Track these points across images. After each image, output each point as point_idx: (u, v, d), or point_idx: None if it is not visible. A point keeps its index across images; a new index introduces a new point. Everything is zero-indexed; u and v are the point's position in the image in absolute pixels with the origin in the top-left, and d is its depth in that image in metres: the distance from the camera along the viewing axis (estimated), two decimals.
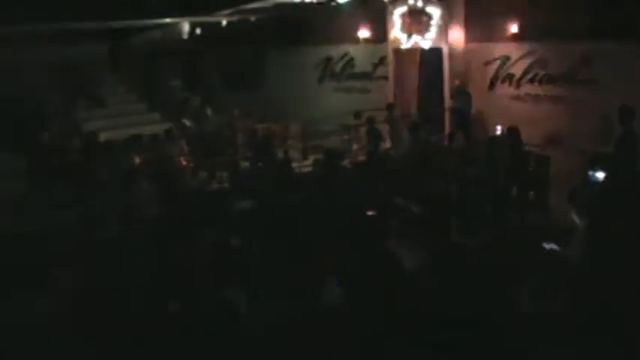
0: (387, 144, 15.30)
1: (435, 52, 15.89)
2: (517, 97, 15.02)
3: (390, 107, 15.59)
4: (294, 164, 12.97)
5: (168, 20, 17.85)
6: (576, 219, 5.80)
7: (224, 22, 18.45)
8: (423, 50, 16.18)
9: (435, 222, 8.79)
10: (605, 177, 9.21)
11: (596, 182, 9.46)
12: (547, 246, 6.46)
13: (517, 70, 14.95)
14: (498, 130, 13.01)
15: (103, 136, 15.05)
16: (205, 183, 13.62)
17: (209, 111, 16.27)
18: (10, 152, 13.94)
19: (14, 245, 9.24)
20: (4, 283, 7.85)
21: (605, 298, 5.05)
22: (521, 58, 14.83)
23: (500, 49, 15.13)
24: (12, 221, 10.58)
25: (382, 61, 17.58)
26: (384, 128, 15.42)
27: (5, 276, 8.00)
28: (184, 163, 13.30)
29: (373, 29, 17.72)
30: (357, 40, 18.21)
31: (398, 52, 16.64)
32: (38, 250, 8.96)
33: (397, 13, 16.18)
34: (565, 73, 14.12)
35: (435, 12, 15.55)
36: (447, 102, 15.75)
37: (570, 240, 5.84)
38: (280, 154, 13.99)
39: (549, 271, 5.89)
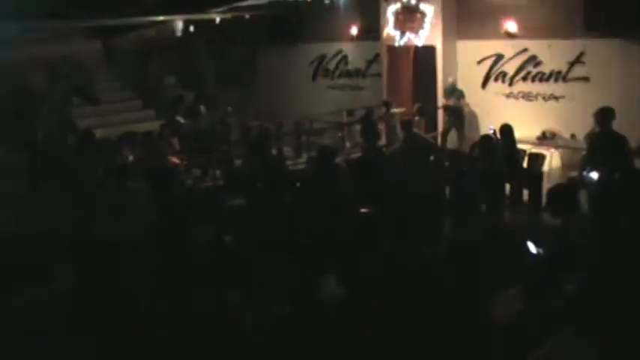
0: (382, 141, 15.36)
1: (429, 50, 15.90)
2: (510, 95, 15.07)
3: (386, 104, 15.60)
4: (288, 162, 12.99)
5: (162, 18, 17.83)
6: (548, 216, 5.84)
7: (218, 20, 18.46)
8: (416, 48, 16.21)
9: (428, 220, 8.82)
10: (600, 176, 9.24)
11: (591, 182, 9.49)
12: (530, 246, 6.50)
13: (510, 68, 14.99)
14: (491, 128, 13.03)
15: (97, 133, 15.02)
16: (199, 180, 13.63)
17: (202, 108, 16.25)
18: (4, 150, 13.92)
19: (11, 244, 9.25)
20: (3, 282, 7.87)
21: (594, 295, 5.08)
22: (514, 55, 14.87)
23: (494, 47, 15.17)
24: (8, 219, 10.59)
25: (376, 58, 17.62)
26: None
27: (3, 275, 8.01)
28: (177, 160, 13.29)
29: (367, 27, 17.75)
30: (350, 38, 18.24)
31: (391, 49, 16.65)
32: (35, 248, 8.97)
33: (390, 11, 16.22)
34: (558, 70, 14.16)
35: (428, 9, 15.57)
36: (440, 100, 15.78)
37: (552, 238, 5.88)
38: (274, 152, 14.00)
39: (535, 270, 5.93)
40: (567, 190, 6.45)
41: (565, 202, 5.85)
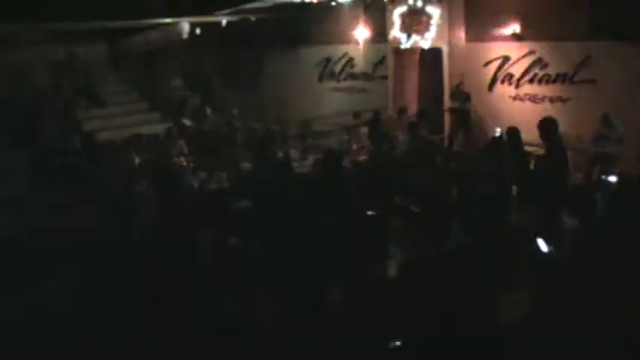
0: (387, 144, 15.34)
1: (435, 52, 15.89)
2: (517, 98, 15.04)
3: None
4: (294, 164, 12.97)
5: (168, 20, 17.86)
6: (569, 220, 5.81)
7: (224, 22, 18.47)
8: (422, 50, 16.18)
9: (434, 222, 8.79)
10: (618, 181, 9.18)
11: (609, 185, 9.45)
12: (540, 243, 6.48)
13: (517, 70, 14.96)
14: (498, 130, 13.01)
15: (103, 136, 15.06)
16: (205, 183, 13.62)
17: (208, 110, 16.28)
18: (11, 152, 13.95)
19: (15, 245, 9.27)
20: (6, 282, 7.88)
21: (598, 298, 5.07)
22: (520, 58, 14.84)
23: (500, 49, 15.15)
24: (13, 220, 10.60)
25: (382, 61, 17.61)
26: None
27: (6, 275, 8.03)
28: (184, 162, 13.29)
29: (373, 29, 17.74)
30: (356, 40, 18.23)
31: (397, 51, 16.64)
32: (39, 249, 8.98)
33: (397, 13, 16.18)
34: (564, 73, 14.13)
35: (434, 12, 15.54)
36: (447, 102, 15.76)
37: (564, 240, 5.86)
38: (280, 154, 13.99)
39: (543, 270, 5.91)
40: (585, 191, 6.42)
41: (584, 204, 5.82)
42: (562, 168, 9.08)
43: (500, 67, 15.25)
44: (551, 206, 8.37)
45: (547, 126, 8.96)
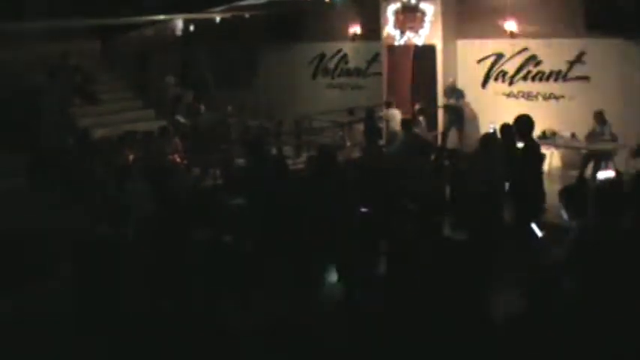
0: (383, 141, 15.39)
1: (429, 49, 15.89)
2: (510, 95, 15.06)
3: (388, 104, 15.62)
4: (288, 161, 12.98)
5: (162, 17, 17.82)
6: (565, 216, 5.81)
7: (217, 19, 18.45)
8: (416, 47, 16.19)
9: (428, 219, 8.81)
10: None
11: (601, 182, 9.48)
12: (534, 228, 6.51)
13: (510, 67, 14.98)
14: (492, 127, 13.04)
15: (97, 133, 15.03)
16: (199, 180, 13.63)
17: (202, 107, 16.26)
18: (6, 151, 13.91)
19: (11, 242, 9.25)
20: (3, 282, 7.88)
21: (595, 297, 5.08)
22: (514, 55, 14.86)
23: (494, 46, 15.16)
24: (8, 218, 10.58)
25: (376, 57, 17.61)
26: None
27: (4, 274, 8.02)
28: (178, 160, 13.29)
29: (367, 26, 17.76)
30: (350, 37, 18.24)
31: (391, 48, 16.64)
32: (34, 247, 8.97)
33: (391, 10, 16.20)
34: (558, 70, 14.15)
35: (428, 8, 15.56)
36: (441, 99, 15.77)
37: (560, 238, 5.87)
38: (274, 151, 13.99)
39: (537, 269, 5.93)
40: (581, 190, 6.43)
41: (581, 203, 5.83)
42: (539, 165, 9.24)
43: (493, 64, 15.27)
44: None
45: (524, 123, 9.01)
